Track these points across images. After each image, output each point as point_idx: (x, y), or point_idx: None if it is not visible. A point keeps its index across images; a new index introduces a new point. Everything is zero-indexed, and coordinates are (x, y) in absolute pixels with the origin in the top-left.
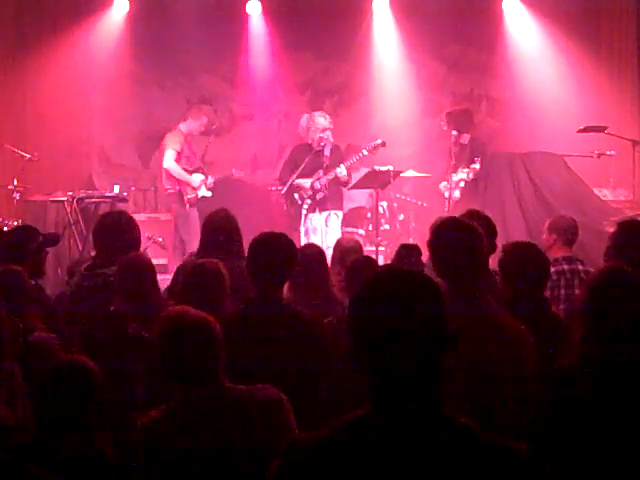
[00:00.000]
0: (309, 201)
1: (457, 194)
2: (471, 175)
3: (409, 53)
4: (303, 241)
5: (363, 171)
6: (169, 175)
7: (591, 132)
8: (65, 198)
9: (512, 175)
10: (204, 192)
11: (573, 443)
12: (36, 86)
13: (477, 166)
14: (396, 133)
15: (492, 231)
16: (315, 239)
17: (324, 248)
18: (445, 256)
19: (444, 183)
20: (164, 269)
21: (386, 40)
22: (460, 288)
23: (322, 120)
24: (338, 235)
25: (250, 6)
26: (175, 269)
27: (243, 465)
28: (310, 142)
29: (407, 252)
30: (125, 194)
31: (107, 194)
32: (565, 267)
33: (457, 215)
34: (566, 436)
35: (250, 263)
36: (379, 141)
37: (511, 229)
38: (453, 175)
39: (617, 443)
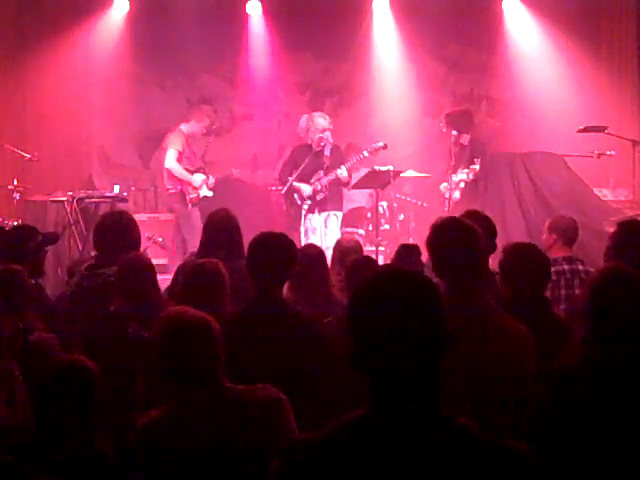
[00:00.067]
0: (309, 201)
1: (457, 195)
2: (471, 176)
3: (409, 53)
4: (302, 241)
5: (363, 171)
6: (171, 175)
7: (591, 132)
8: (65, 198)
9: (512, 175)
10: (205, 192)
11: (573, 443)
12: (36, 86)
13: (477, 167)
14: (396, 133)
15: (492, 231)
16: (314, 239)
17: (323, 249)
18: (444, 256)
19: (444, 184)
20: (164, 269)
21: (386, 40)
22: (459, 288)
23: (321, 120)
24: (337, 236)
25: (250, 6)
26: (176, 269)
27: (243, 465)
28: (310, 143)
29: (407, 252)
30: (125, 194)
31: (107, 194)
32: (565, 267)
33: (457, 215)
34: (566, 436)
35: (250, 263)
36: (380, 143)
37: (511, 229)
38: (453, 176)
39: (617, 443)
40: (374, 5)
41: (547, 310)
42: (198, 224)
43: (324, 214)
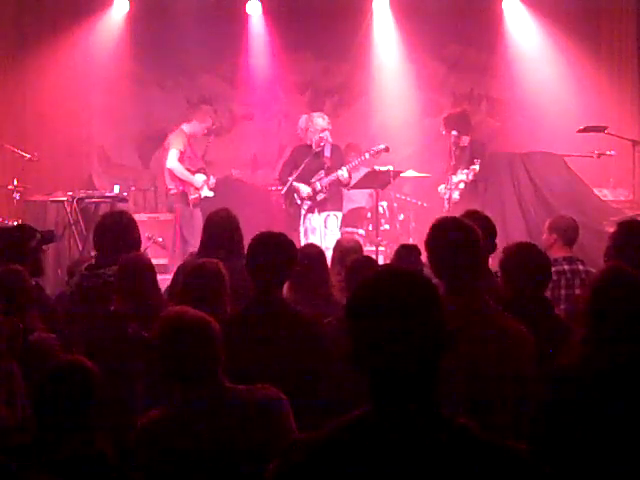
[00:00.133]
0: (309, 202)
1: (456, 195)
2: (470, 176)
3: (409, 53)
4: (302, 241)
5: (363, 171)
6: (173, 175)
7: (591, 132)
8: (65, 198)
9: (512, 175)
10: (206, 192)
11: (573, 443)
12: (36, 86)
13: (477, 167)
14: (396, 133)
15: (492, 231)
16: (314, 239)
17: (323, 249)
18: (443, 256)
19: (443, 185)
20: (164, 269)
21: (386, 40)
22: (459, 288)
23: (320, 121)
24: (337, 236)
25: (250, 6)
26: (176, 269)
27: (243, 465)
28: (309, 143)
29: (407, 252)
30: (125, 194)
31: (107, 194)
32: (566, 267)
33: (456, 215)
34: (566, 436)
35: (250, 263)
36: (382, 146)
37: (511, 229)
38: (453, 177)
39: (617, 443)
40: (374, 5)
41: (547, 310)
42: (199, 224)
43: (324, 214)
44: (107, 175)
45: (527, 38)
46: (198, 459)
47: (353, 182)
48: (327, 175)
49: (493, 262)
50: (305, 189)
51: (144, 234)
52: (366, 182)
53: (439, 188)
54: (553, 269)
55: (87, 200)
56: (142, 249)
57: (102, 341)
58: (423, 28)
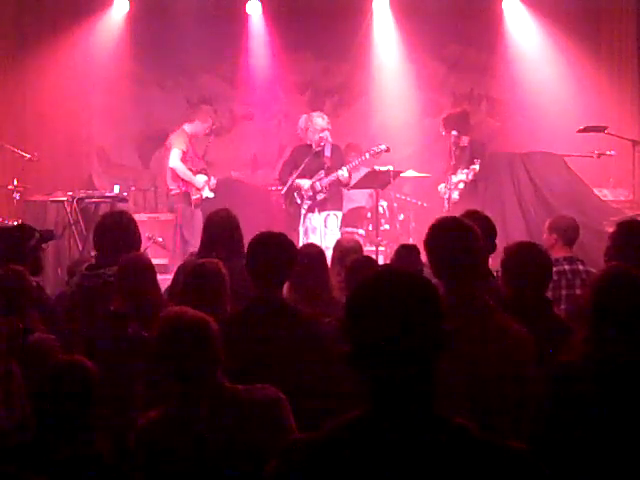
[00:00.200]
0: (309, 201)
1: (456, 195)
2: (470, 176)
3: (409, 53)
4: (302, 241)
5: (363, 171)
6: (175, 175)
7: (591, 132)
8: (65, 198)
9: (512, 175)
10: (207, 193)
11: (573, 443)
12: (36, 86)
13: (477, 167)
14: (396, 133)
15: (492, 231)
16: (314, 239)
17: (323, 248)
18: (442, 256)
19: (442, 185)
20: (164, 269)
21: (386, 40)
22: (458, 288)
23: (320, 120)
24: (337, 236)
25: (250, 6)
26: (176, 269)
27: (242, 465)
28: (309, 143)
29: (406, 252)
30: (125, 194)
31: (107, 194)
32: (566, 267)
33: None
34: (566, 436)
35: (250, 263)
36: (383, 147)
37: (511, 229)
38: (452, 177)
39: (617, 443)
40: (374, 5)
41: (548, 310)
42: (200, 225)
43: (324, 214)
44: (107, 175)
45: (527, 38)
46: (198, 459)
47: (353, 182)
48: (327, 175)
49: (493, 262)
50: (306, 183)
51: (144, 234)
52: (366, 182)
53: (439, 188)
54: (554, 269)
55: (87, 200)
56: (142, 249)
57: (102, 341)
58: (423, 28)
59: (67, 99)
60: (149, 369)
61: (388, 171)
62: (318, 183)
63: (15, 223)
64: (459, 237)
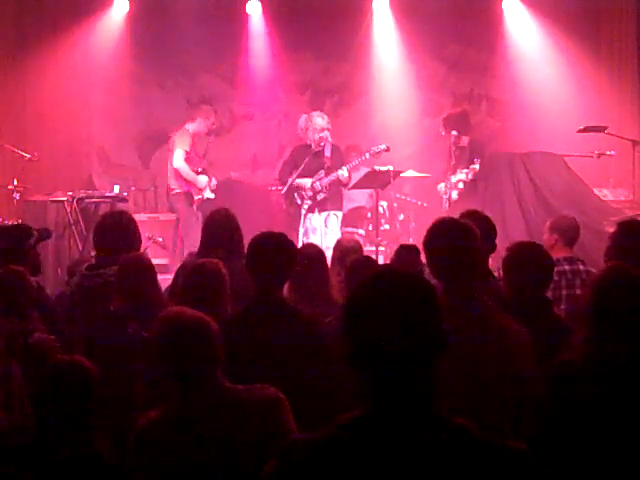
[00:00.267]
0: (309, 201)
1: (455, 195)
2: (470, 176)
3: (409, 53)
4: (302, 241)
5: (363, 171)
6: (178, 175)
7: (591, 132)
8: (65, 198)
9: (512, 175)
10: (208, 194)
11: (573, 443)
12: (36, 86)
13: (477, 166)
14: (396, 133)
15: (492, 231)
16: (314, 239)
17: (323, 248)
18: (440, 257)
19: (442, 185)
20: (165, 269)
21: (386, 40)
22: (457, 289)
23: (320, 120)
24: (337, 236)
25: (250, 6)
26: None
27: (242, 465)
28: (309, 143)
29: (406, 252)
30: (125, 194)
31: (107, 194)
32: (566, 267)
33: (456, 216)
34: (566, 436)
35: (250, 263)
36: (383, 146)
37: (511, 229)
38: (452, 176)
39: (617, 443)
40: (374, 5)
41: (548, 310)
42: (200, 225)
43: (324, 214)
44: (107, 175)
45: (527, 38)
46: (198, 459)
47: (353, 182)
48: (327, 175)
49: (493, 262)
50: (307, 182)
51: (144, 234)
52: (366, 182)
53: (438, 187)
54: (554, 269)
55: (87, 200)
56: (142, 249)
57: (102, 341)
58: (423, 28)
59: (67, 99)
60: (149, 369)
61: (388, 171)
62: (318, 183)
63: (11, 223)
64: (457, 238)
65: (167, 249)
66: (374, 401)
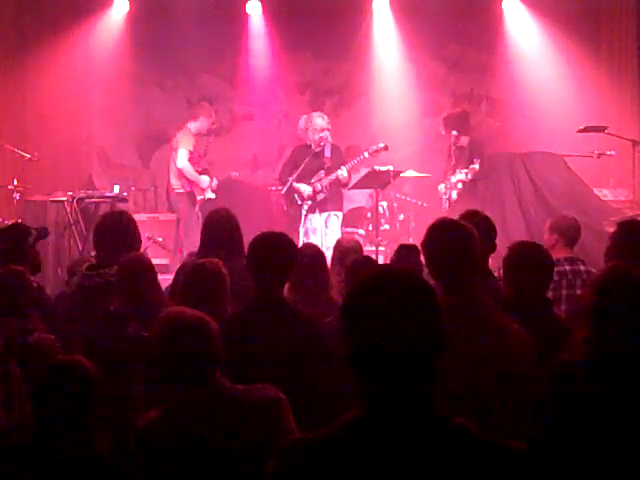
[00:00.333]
0: (309, 202)
1: (454, 195)
2: (470, 175)
3: (409, 53)
4: (303, 242)
5: (363, 171)
6: (181, 175)
7: (591, 132)
8: (65, 198)
9: (512, 175)
10: (210, 194)
11: (573, 443)
12: (36, 86)
13: (476, 166)
14: (396, 133)
15: (492, 231)
16: (315, 240)
17: (323, 249)
18: (439, 257)
19: (442, 185)
20: (165, 269)
21: (386, 40)
22: (455, 289)
23: (320, 120)
24: (338, 236)
25: (250, 6)
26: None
27: (242, 465)
28: (309, 143)
29: (406, 252)
30: (125, 194)
31: (107, 194)
32: (567, 268)
33: (456, 216)
34: (566, 436)
35: (250, 263)
36: (382, 145)
37: (511, 229)
38: (452, 177)
39: (616, 443)
40: (374, 5)
41: (548, 310)
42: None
43: (325, 214)
44: (107, 175)
45: (527, 38)
46: (197, 459)
47: (353, 182)
48: (327, 175)
49: (493, 262)
50: (306, 189)
51: (144, 234)
52: (366, 182)
53: (438, 188)
54: (554, 269)
55: (87, 200)
56: (142, 249)
57: (102, 341)
58: (423, 28)
59: (67, 99)
60: (149, 369)
61: (388, 171)
62: (318, 183)
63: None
64: (455, 238)
65: (167, 249)
66: (374, 401)
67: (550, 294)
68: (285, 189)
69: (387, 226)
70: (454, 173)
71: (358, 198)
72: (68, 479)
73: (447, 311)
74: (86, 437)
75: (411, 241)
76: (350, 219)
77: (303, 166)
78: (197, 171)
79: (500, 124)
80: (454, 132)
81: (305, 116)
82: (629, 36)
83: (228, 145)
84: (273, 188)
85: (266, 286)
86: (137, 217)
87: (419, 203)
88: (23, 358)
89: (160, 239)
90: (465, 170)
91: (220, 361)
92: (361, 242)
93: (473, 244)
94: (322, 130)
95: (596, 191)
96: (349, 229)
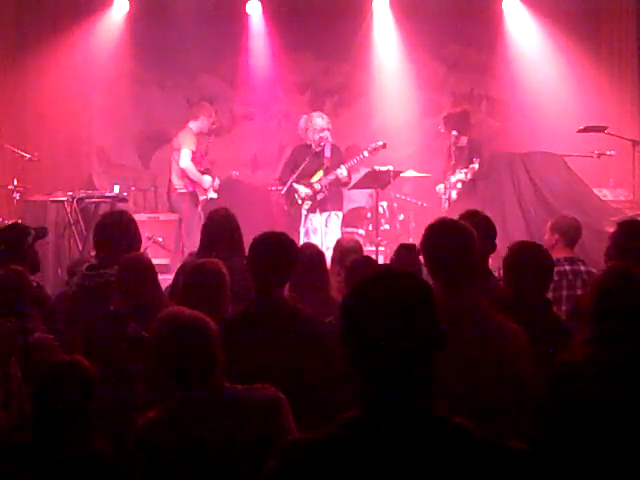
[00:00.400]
0: (309, 202)
1: (454, 195)
2: (469, 175)
3: (409, 53)
4: (302, 241)
5: (363, 171)
6: (184, 175)
7: (591, 132)
8: (65, 198)
9: (512, 175)
10: (211, 194)
11: (573, 443)
12: (36, 86)
13: (476, 166)
14: (396, 133)
15: (492, 231)
16: (315, 240)
17: (324, 249)
18: (437, 258)
19: (441, 185)
20: (165, 269)
21: (386, 40)
22: (454, 289)
23: (320, 120)
24: (338, 236)
25: (250, 6)
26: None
27: (242, 465)
28: (309, 143)
29: (406, 252)
30: (125, 194)
31: (107, 194)
32: (567, 268)
33: (455, 216)
34: (566, 436)
35: (251, 263)
36: (380, 142)
37: (511, 229)
38: (451, 176)
39: (616, 443)
40: (374, 5)
41: (547, 311)
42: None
43: (325, 214)
44: (107, 175)
45: (527, 38)
46: (197, 459)
47: (353, 182)
48: (326, 175)
49: (493, 262)
50: (304, 190)
51: (144, 234)
52: (366, 182)
53: (437, 188)
54: (555, 270)
55: (87, 200)
56: (142, 249)
57: (102, 341)
58: (423, 28)
59: (67, 99)
60: (149, 369)
61: (388, 171)
62: (318, 183)
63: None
64: (454, 239)
65: (167, 249)
66: (374, 401)
67: (550, 294)
68: (285, 189)
69: (387, 226)
70: (454, 173)
71: (358, 198)
72: (68, 479)
73: (446, 311)
74: (86, 437)
75: (411, 241)
76: (350, 219)
77: (303, 166)
78: (199, 171)
79: (500, 124)
80: (454, 132)
81: (305, 116)
82: (629, 36)
83: (228, 145)
84: (273, 188)
85: (266, 286)
86: (137, 217)
87: (419, 203)
88: (23, 358)
89: (160, 239)
90: (465, 170)
91: (220, 361)
92: (361, 242)
93: (472, 244)
94: (322, 130)
95: (596, 191)
96: (349, 229)
